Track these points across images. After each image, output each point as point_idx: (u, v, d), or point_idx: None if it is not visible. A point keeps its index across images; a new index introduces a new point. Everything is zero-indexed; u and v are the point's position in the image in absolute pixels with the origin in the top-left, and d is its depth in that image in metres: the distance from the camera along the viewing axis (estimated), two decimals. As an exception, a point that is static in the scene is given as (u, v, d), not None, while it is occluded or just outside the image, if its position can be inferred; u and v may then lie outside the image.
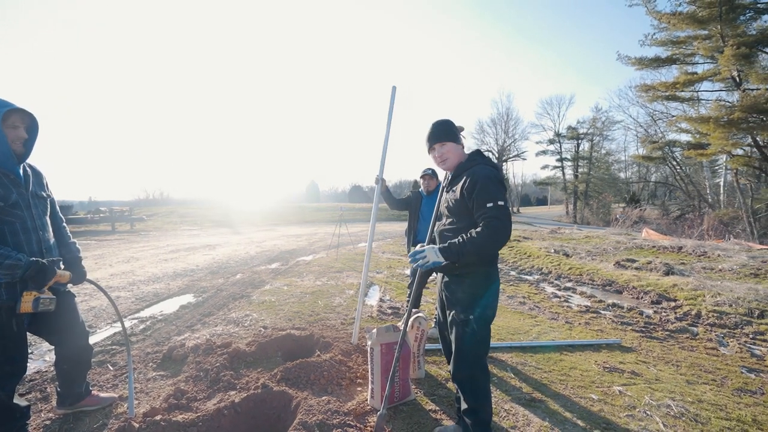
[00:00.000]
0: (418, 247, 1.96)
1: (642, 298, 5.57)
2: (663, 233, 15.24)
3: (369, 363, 2.54)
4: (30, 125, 1.95)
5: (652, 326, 4.39)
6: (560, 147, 47.62)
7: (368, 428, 2.21)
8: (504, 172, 54.67)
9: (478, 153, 2.06)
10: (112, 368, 3.01)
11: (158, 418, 2.12)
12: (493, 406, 2.51)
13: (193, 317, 4.32)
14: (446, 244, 1.84)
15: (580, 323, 4.45)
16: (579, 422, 2.36)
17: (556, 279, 7.03)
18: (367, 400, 2.53)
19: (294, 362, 2.85)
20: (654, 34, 21.15)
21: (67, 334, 2.20)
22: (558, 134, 47.59)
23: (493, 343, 3.63)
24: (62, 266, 2.10)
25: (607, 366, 3.20)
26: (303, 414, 2.23)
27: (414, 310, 3.04)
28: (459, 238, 1.83)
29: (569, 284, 6.57)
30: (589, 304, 5.35)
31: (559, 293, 5.98)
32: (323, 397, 2.44)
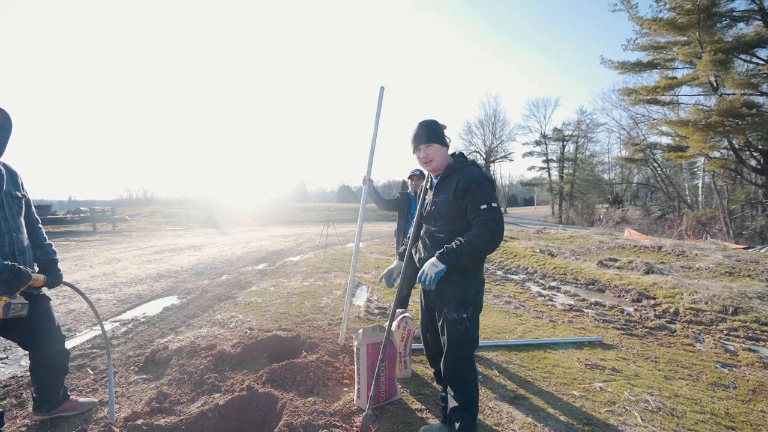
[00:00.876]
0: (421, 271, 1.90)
1: (623, 296, 5.71)
2: (644, 233, 15.66)
3: (355, 363, 2.55)
4: (2, 122, 1.89)
5: (632, 324, 4.51)
6: (546, 148, 48.41)
7: (354, 428, 2.21)
8: (492, 173, 55.30)
9: (462, 155, 2.09)
10: (91, 372, 2.94)
11: (140, 422, 2.08)
12: (479, 404, 2.55)
13: (177, 319, 4.25)
14: (443, 250, 1.84)
15: (563, 321, 4.53)
16: (561, 418, 2.41)
17: (541, 278, 7.15)
18: (353, 400, 2.53)
19: (280, 363, 2.83)
20: (636, 39, 21.67)
21: (42, 339, 2.14)
22: (544, 136, 48.36)
23: (479, 342, 3.68)
24: (36, 269, 2.05)
25: (589, 363, 3.27)
26: (288, 415, 2.22)
27: (400, 310, 3.05)
28: (456, 241, 1.84)
29: (554, 283, 6.69)
30: (572, 302, 5.46)
31: (544, 292, 6.09)
32: (309, 398, 2.43)
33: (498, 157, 51.49)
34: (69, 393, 2.39)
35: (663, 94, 22.46)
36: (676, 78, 21.23)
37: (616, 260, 7.82)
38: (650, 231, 18.62)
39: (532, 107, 54.03)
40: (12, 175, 2.01)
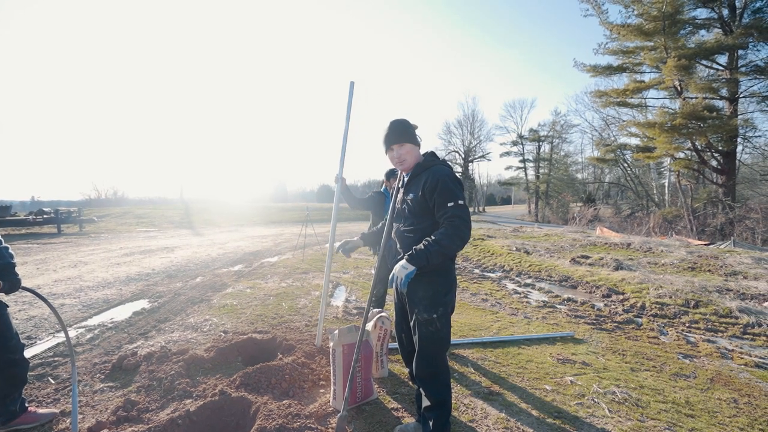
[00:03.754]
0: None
1: (594, 292, 5.91)
2: (615, 231, 16.27)
3: (331, 364, 2.53)
4: None
5: (602, 318, 4.67)
6: (523, 148, 49.55)
7: (329, 430, 2.20)
8: (471, 172, 56.11)
9: (433, 154, 2.11)
10: (53, 381, 2.80)
11: (104, 432, 2.00)
12: (454, 401, 2.58)
13: (148, 324, 4.11)
14: (412, 252, 1.84)
15: (537, 318, 4.65)
16: (533, 412, 2.47)
17: (517, 276, 7.31)
18: (329, 401, 2.51)
19: (254, 366, 2.78)
20: (607, 43, 22.51)
21: None
22: (521, 136, 49.48)
23: (455, 339, 3.73)
24: None
25: (560, 358, 3.37)
26: (262, 419, 2.18)
27: (377, 310, 3.05)
28: (424, 241, 1.85)
29: (529, 281, 6.86)
30: (546, 299, 5.62)
31: (520, 289, 6.23)
32: (284, 401, 2.40)
33: (476, 156, 52.34)
34: (27, 404, 2.27)
35: (632, 97, 23.41)
36: (643, 82, 22.15)
37: (587, 257, 8.09)
38: (621, 228, 19.38)
39: (509, 108, 55.34)
40: None
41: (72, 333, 3.79)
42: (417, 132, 2.12)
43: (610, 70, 23.49)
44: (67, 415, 2.34)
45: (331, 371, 2.53)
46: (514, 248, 9.59)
